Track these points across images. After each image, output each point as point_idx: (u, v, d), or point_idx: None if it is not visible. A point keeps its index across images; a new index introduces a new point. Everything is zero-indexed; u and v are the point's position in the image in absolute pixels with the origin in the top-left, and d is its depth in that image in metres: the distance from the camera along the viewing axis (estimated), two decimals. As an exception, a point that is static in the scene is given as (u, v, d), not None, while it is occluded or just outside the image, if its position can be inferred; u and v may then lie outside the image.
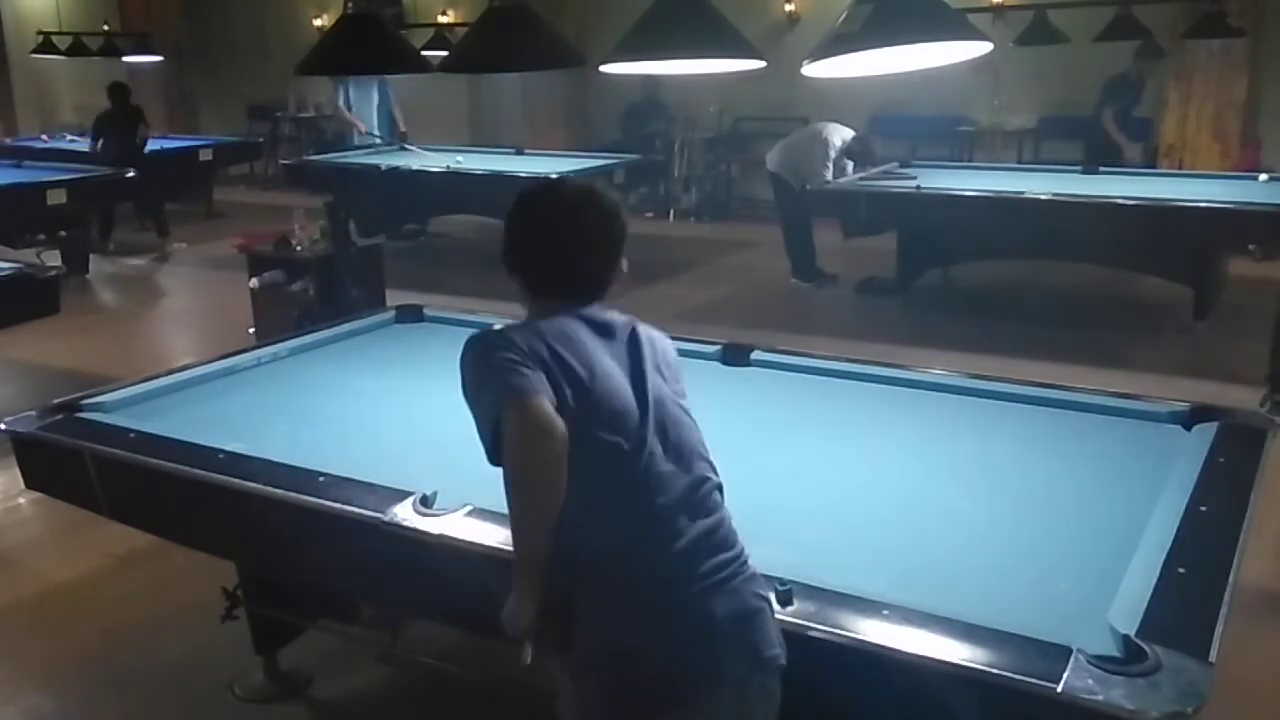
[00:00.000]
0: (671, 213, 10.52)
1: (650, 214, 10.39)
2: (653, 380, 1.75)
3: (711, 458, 1.79)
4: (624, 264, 1.86)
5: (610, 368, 1.72)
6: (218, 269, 8.39)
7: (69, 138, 11.17)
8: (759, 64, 2.74)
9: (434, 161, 8.66)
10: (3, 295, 4.92)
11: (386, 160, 9.03)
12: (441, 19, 11.06)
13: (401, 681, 3.10)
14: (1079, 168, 7.71)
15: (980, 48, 2.30)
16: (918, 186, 6.82)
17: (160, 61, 11.76)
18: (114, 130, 9.43)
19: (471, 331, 1.80)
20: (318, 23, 12.54)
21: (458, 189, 8.47)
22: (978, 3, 8.25)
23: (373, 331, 3.75)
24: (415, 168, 8.67)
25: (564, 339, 1.71)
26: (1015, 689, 1.58)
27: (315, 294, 5.75)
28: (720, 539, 1.70)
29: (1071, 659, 1.61)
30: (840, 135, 7.47)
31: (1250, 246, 7.32)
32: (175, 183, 10.19)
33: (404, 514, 2.16)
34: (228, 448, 2.54)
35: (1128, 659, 1.63)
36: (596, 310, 1.82)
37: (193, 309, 7.98)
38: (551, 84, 10.35)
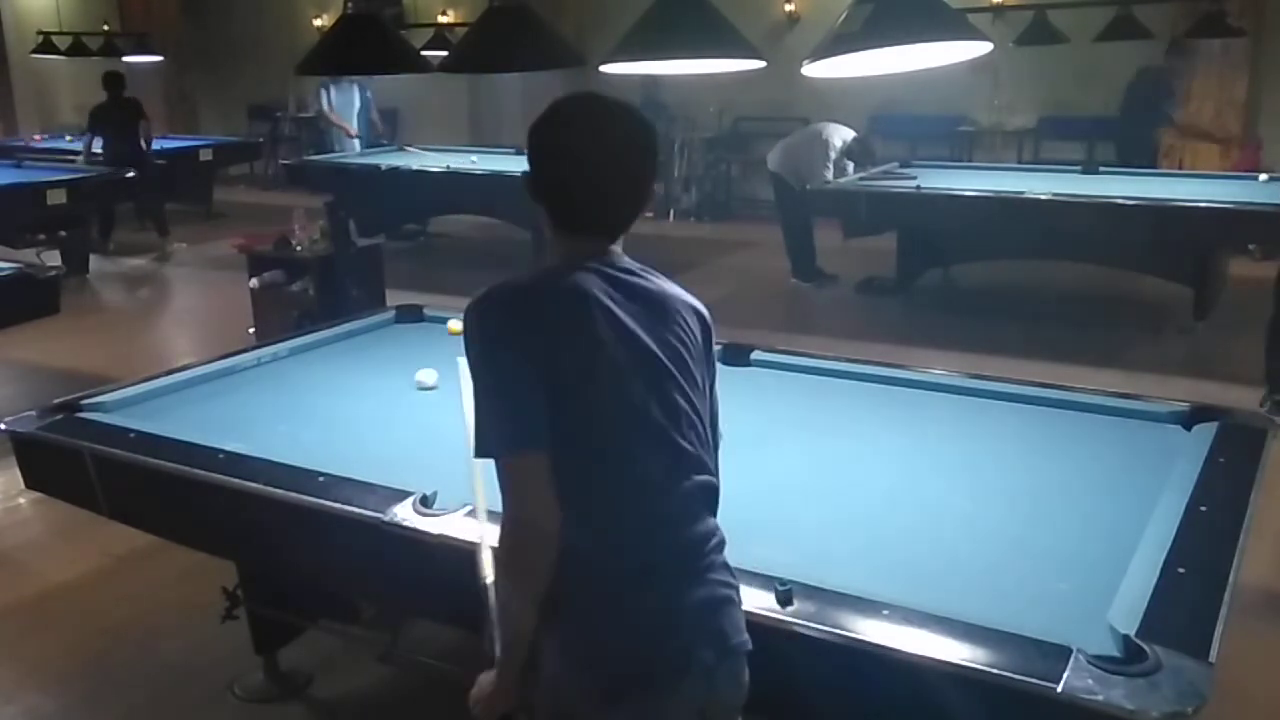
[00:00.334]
0: (671, 213, 10.52)
1: (650, 214, 10.38)
2: (659, 365, 1.62)
3: (706, 439, 1.69)
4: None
5: (613, 356, 1.59)
6: (218, 269, 8.39)
7: (68, 138, 11.17)
8: (759, 64, 2.74)
9: (451, 163, 8.62)
10: (3, 295, 4.92)
11: (386, 160, 9.03)
12: (441, 19, 11.07)
13: (401, 681, 3.10)
14: (1079, 168, 7.72)
15: (980, 48, 2.30)
16: (918, 186, 6.82)
17: (160, 61, 11.76)
18: (113, 127, 9.33)
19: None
20: (318, 23, 12.55)
21: (458, 189, 8.47)
22: (978, 3, 8.25)
23: (373, 331, 3.75)
24: (415, 168, 8.67)
25: (572, 321, 1.59)
26: (1015, 689, 1.58)
27: (315, 294, 5.75)
28: (694, 528, 1.65)
29: (1071, 659, 1.61)
30: (841, 136, 7.48)
31: (1250, 246, 7.31)
32: (175, 183, 10.17)
33: (404, 514, 2.16)
34: (228, 448, 2.54)
35: (1128, 659, 1.63)
36: (629, 265, 1.68)
37: (193, 309, 7.99)
38: (551, 84, 10.32)
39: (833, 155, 7.35)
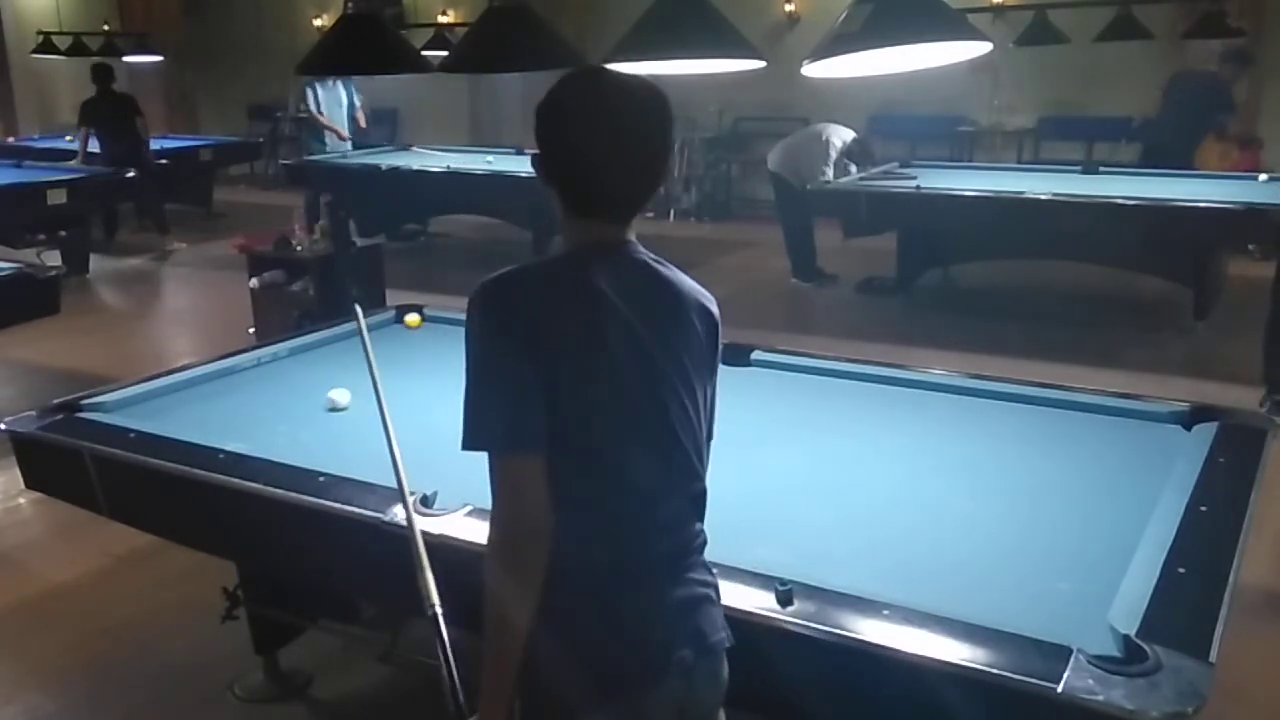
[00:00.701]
0: (672, 213, 10.52)
1: (650, 214, 10.38)
2: (662, 368, 1.58)
3: (701, 444, 1.65)
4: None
5: (617, 358, 1.55)
6: (218, 269, 8.39)
7: (68, 138, 11.17)
8: (759, 64, 2.75)
9: (468, 164, 8.60)
10: (3, 295, 4.92)
11: (387, 160, 9.03)
12: (441, 19, 11.08)
13: (401, 681, 3.09)
14: (1079, 168, 7.72)
15: (980, 48, 2.30)
16: (918, 186, 6.82)
17: (160, 61, 11.77)
18: (107, 125, 9.20)
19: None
20: (318, 23, 12.55)
21: (458, 189, 8.47)
22: (978, 3, 8.25)
23: (373, 331, 3.73)
24: (415, 168, 8.67)
25: (579, 319, 1.54)
26: (1015, 689, 1.58)
27: (315, 294, 5.75)
28: (682, 534, 1.63)
29: (1072, 659, 1.61)
30: (841, 136, 7.48)
31: (1250, 246, 7.31)
32: (175, 183, 10.16)
33: (404, 514, 2.15)
34: (228, 448, 2.54)
35: (1128, 659, 1.63)
36: (643, 256, 1.62)
37: (193, 309, 7.99)
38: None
39: (833, 155, 7.36)
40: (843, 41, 2.27)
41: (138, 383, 3.12)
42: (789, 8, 10.22)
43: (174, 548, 3.06)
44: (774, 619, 1.78)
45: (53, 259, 7.41)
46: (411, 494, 2.18)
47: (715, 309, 1.69)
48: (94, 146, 9.26)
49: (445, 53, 5.29)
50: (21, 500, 4.41)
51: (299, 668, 3.15)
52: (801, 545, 2.13)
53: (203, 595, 3.15)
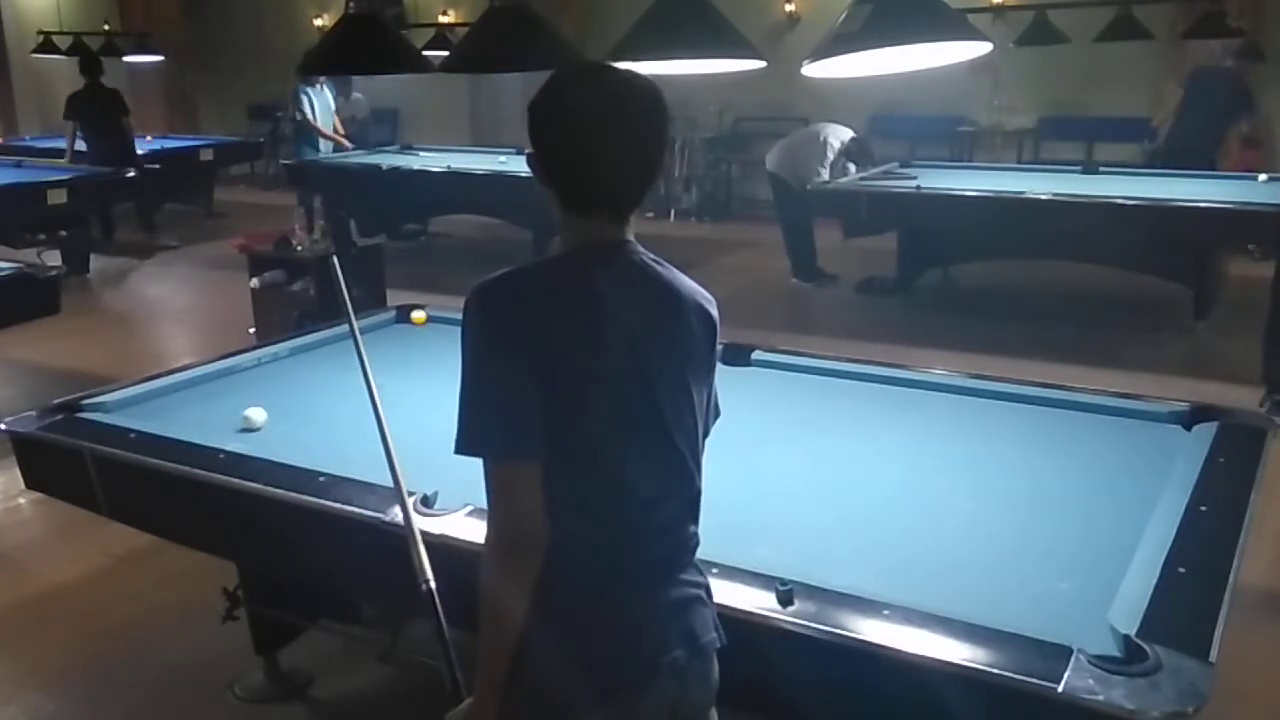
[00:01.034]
0: (672, 213, 10.52)
1: (650, 214, 10.39)
2: (661, 371, 1.57)
3: (697, 446, 1.65)
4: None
5: (615, 362, 1.54)
6: (218, 269, 8.39)
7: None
8: (759, 64, 2.75)
9: (480, 165, 8.60)
10: (3, 295, 4.92)
11: (387, 160, 9.03)
12: (442, 19, 11.07)
13: (401, 681, 3.09)
14: (1079, 168, 7.71)
15: (980, 48, 2.30)
16: (918, 186, 6.82)
17: (160, 61, 11.76)
18: (93, 123, 9.08)
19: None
20: (318, 23, 12.55)
21: (458, 189, 8.47)
22: (978, 3, 8.25)
23: (373, 331, 3.75)
24: (415, 168, 8.67)
25: (578, 322, 1.52)
26: (1016, 689, 1.58)
27: (315, 294, 5.75)
28: (677, 537, 1.63)
29: (1072, 659, 1.61)
30: (840, 136, 7.48)
31: (1250, 246, 7.31)
32: (172, 183, 10.14)
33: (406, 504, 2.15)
34: (228, 448, 2.54)
35: (1128, 659, 1.63)
36: (642, 256, 1.60)
37: (193, 309, 7.98)
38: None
39: (830, 155, 7.36)
40: (843, 41, 2.27)
41: (138, 383, 3.12)
42: (789, 8, 10.22)
43: (174, 548, 3.06)
44: (775, 619, 1.78)
45: (53, 259, 7.42)
46: (412, 494, 2.19)
47: (714, 310, 1.68)
48: (81, 146, 9.15)
49: (446, 53, 5.29)
50: (21, 500, 4.41)
51: (299, 668, 3.15)
52: (802, 545, 2.13)
53: (203, 595, 3.15)
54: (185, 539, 2.87)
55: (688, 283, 1.66)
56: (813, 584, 1.84)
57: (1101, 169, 7.61)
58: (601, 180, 1.56)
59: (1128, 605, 1.79)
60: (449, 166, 8.47)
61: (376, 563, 2.26)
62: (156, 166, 9.68)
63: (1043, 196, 6.33)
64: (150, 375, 3.22)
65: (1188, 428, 2.68)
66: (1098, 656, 1.62)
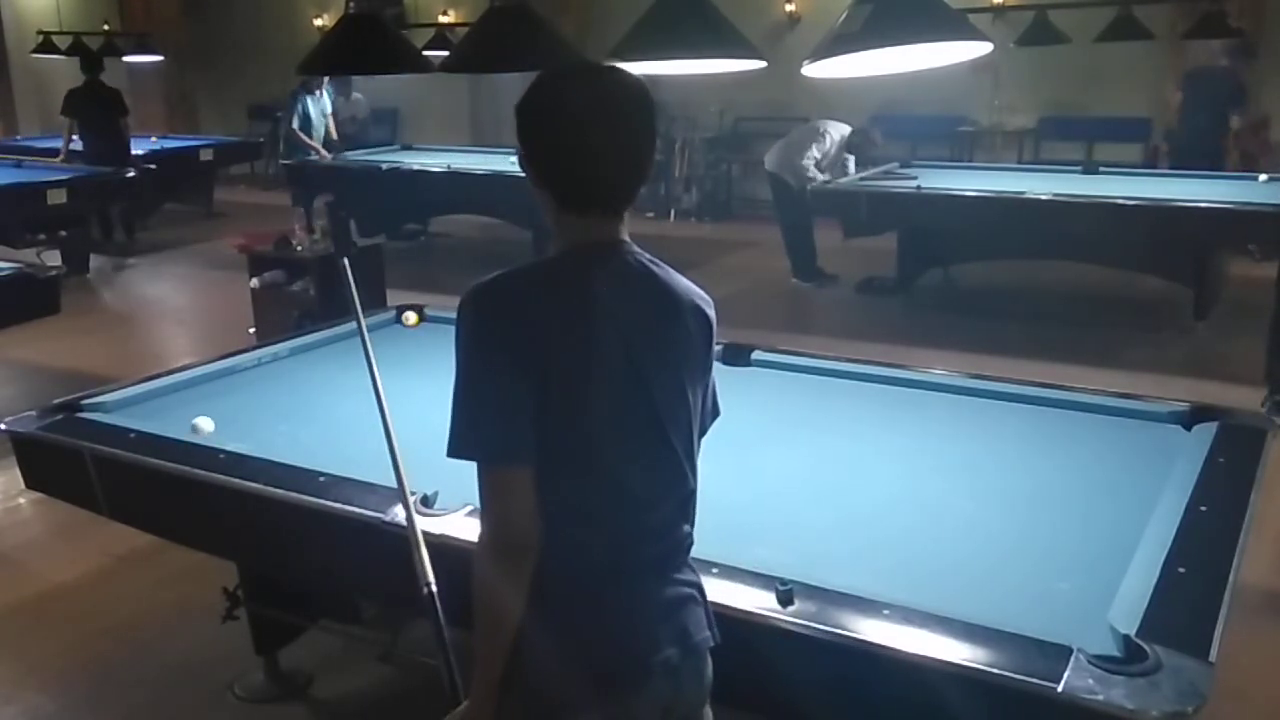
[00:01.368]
0: (672, 213, 10.52)
1: (651, 214, 10.39)
2: (657, 373, 1.57)
3: (692, 447, 1.65)
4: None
5: (611, 364, 1.54)
6: (218, 269, 8.39)
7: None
8: (759, 64, 2.74)
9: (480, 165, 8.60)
10: (3, 295, 4.92)
11: (387, 160, 9.03)
12: (442, 19, 11.07)
13: (401, 681, 3.09)
14: (1079, 168, 7.71)
15: (980, 48, 2.30)
16: (918, 186, 6.82)
17: (160, 61, 11.76)
18: (91, 121, 9.03)
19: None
20: (318, 23, 12.55)
21: (458, 189, 8.47)
22: (978, 3, 8.24)
23: (373, 331, 3.73)
24: (415, 168, 8.67)
25: (573, 324, 1.52)
26: (1016, 689, 1.58)
27: (315, 294, 5.75)
28: (672, 537, 1.63)
29: (1072, 659, 1.61)
30: (838, 131, 7.47)
31: (1250, 246, 7.31)
32: (175, 183, 10.13)
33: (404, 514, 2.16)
34: (228, 448, 2.55)
35: (1128, 659, 1.63)
36: (638, 257, 1.60)
37: (193, 309, 7.98)
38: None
39: (822, 149, 7.32)
40: (843, 41, 2.27)
41: (138, 383, 3.13)
42: (789, 8, 10.22)
43: (174, 548, 3.06)
44: (775, 619, 1.78)
45: (53, 259, 7.41)
46: (412, 494, 2.19)
47: (711, 310, 1.68)
48: (76, 145, 9.08)
49: (446, 53, 5.29)
50: (21, 500, 4.41)
51: (299, 668, 3.15)
52: (802, 545, 2.13)
53: (203, 595, 3.15)
54: (185, 539, 2.87)
55: (684, 283, 1.66)
56: (813, 584, 1.84)
57: (1102, 169, 7.62)
58: (601, 180, 1.55)
59: (1127, 605, 1.79)
60: (449, 166, 8.47)
61: (377, 563, 2.26)
62: (153, 166, 9.64)
63: (1043, 196, 6.34)
64: (150, 375, 3.22)
65: (1188, 428, 2.68)
66: (1098, 656, 1.62)
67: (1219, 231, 6.17)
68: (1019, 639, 1.67)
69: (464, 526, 2.09)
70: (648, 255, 1.63)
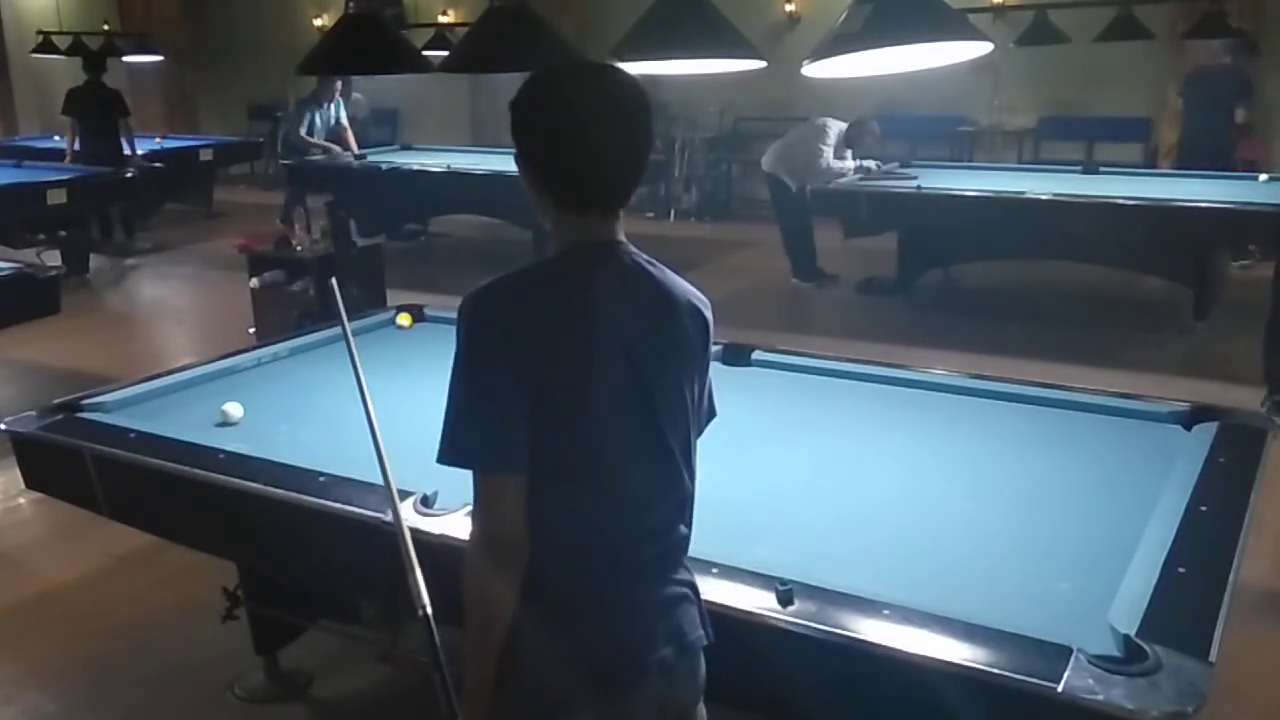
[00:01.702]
0: (672, 212, 10.52)
1: (651, 214, 10.39)
2: (654, 376, 1.57)
3: (690, 449, 1.65)
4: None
5: (609, 367, 1.54)
6: (218, 269, 8.39)
7: (55, 138, 11.14)
8: (759, 64, 2.74)
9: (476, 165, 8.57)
10: (3, 295, 4.92)
11: (387, 160, 9.03)
12: (442, 19, 11.07)
13: (401, 681, 3.09)
14: (1079, 168, 7.71)
15: (980, 48, 2.30)
16: (918, 186, 6.82)
17: (160, 61, 11.75)
18: (89, 121, 9.03)
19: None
20: (318, 23, 12.55)
21: (458, 189, 8.47)
22: (978, 3, 8.24)
23: (372, 331, 3.75)
24: (415, 168, 8.67)
25: (571, 328, 1.52)
26: (1016, 689, 1.58)
27: (315, 294, 5.75)
28: (669, 539, 1.63)
29: (1072, 659, 1.61)
30: (837, 126, 7.44)
31: (1250, 246, 7.31)
32: (175, 183, 10.13)
33: (405, 514, 2.15)
34: (228, 448, 2.55)
35: (1128, 659, 1.63)
36: (635, 258, 1.60)
37: (193, 309, 7.98)
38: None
39: (831, 143, 7.30)
40: (843, 41, 2.27)
41: (138, 383, 3.13)
42: (789, 8, 10.21)
43: (174, 548, 3.06)
44: (775, 619, 1.78)
45: (53, 259, 7.42)
46: (411, 494, 2.19)
47: (708, 311, 1.67)
48: (79, 144, 9.09)
49: (446, 53, 5.29)
50: (21, 500, 4.41)
51: (299, 668, 3.15)
52: (802, 545, 2.13)
53: (203, 595, 3.15)
54: (185, 539, 2.87)
55: (681, 284, 1.66)
56: (812, 584, 1.84)
57: (1102, 169, 7.61)
58: (601, 179, 1.55)
59: (1127, 605, 1.79)
60: (449, 166, 8.46)
61: (377, 563, 2.26)
62: (159, 165, 9.65)
63: (1043, 196, 6.34)
64: (150, 375, 3.22)
65: (1188, 428, 2.68)
66: (1097, 656, 1.62)
67: (1219, 231, 6.17)
68: (1019, 639, 1.67)
69: (464, 527, 2.08)
70: (644, 256, 1.63)
